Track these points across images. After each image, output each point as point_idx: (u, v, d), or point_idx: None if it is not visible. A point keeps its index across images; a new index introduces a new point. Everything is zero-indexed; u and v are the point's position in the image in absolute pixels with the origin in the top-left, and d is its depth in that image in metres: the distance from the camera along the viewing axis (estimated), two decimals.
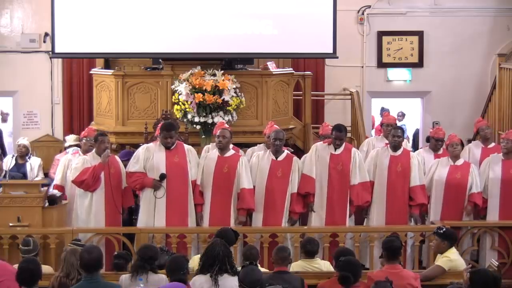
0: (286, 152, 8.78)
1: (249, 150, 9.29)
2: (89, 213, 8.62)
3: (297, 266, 7.06)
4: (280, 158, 8.71)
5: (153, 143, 8.77)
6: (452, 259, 7.12)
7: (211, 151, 8.89)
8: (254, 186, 8.64)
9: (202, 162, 8.69)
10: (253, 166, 8.73)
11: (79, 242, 7.06)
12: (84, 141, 9.37)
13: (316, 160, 8.74)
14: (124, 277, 6.35)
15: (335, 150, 8.76)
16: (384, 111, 12.96)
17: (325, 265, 7.10)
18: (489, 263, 7.66)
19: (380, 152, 8.95)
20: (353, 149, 8.91)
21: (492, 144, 9.57)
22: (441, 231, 7.22)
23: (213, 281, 5.87)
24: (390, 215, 8.75)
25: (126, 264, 6.94)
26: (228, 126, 9.13)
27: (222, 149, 8.64)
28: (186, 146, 8.80)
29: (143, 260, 6.33)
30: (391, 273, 6.34)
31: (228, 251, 6.09)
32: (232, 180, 8.57)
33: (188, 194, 8.59)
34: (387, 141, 9.20)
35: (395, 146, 8.87)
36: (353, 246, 8.35)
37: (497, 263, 7.29)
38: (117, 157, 9.00)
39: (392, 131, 8.98)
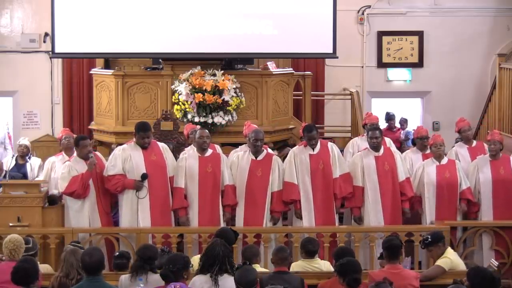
0: (265, 151, 8.78)
1: (232, 151, 9.25)
2: (80, 215, 8.51)
3: (297, 266, 7.05)
4: (260, 157, 8.69)
5: (127, 144, 8.67)
6: (451, 259, 7.13)
7: (188, 152, 8.78)
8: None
9: (182, 164, 8.61)
10: (233, 165, 8.72)
11: (78, 244, 7.05)
12: (62, 142, 9.48)
13: (296, 164, 8.71)
14: (124, 277, 6.35)
15: (313, 150, 8.75)
16: (390, 117, 12.87)
17: (325, 265, 7.09)
18: (488, 263, 7.65)
19: (364, 155, 8.90)
20: (329, 144, 8.93)
21: (474, 142, 9.57)
22: (428, 241, 7.20)
23: (213, 281, 5.87)
24: (387, 215, 8.74)
25: (127, 263, 6.93)
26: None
27: (206, 149, 8.65)
28: (160, 144, 8.77)
29: (142, 260, 6.33)
30: (391, 273, 6.34)
31: (228, 251, 6.09)
32: (218, 179, 8.57)
33: (169, 192, 8.59)
34: None
35: (375, 147, 8.87)
36: (347, 244, 8.36)
37: (497, 263, 7.29)
38: (99, 155, 8.90)
39: (369, 133, 8.92)
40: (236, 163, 8.72)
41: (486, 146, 9.14)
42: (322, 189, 8.69)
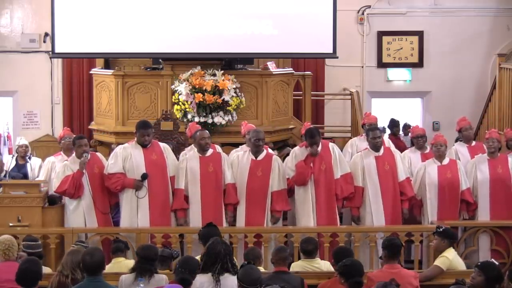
0: (265, 151, 8.77)
1: (232, 151, 9.26)
2: (75, 215, 8.50)
3: (297, 266, 7.06)
4: (260, 157, 8.68)
5: (129, 143, 8.69)
6: (450, 259, 7.14)
7: (189, 153, 8.78)
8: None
9: (183, 165, 8.61)
10: (233, 165, 8.72)
11: (83, 244, 7.06)
12: (62, 141, 9.46)
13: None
14: (124, 277, 6.34)
15: None
16: (394, 123, 12.65)
17: (325, 265, 7.09)
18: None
19: (364, 155, 8.89)
20: (330, 144, 8.92)
21: (474, 143, 9.60)
22: (441, 230, 7.27)
23: (215, 280, 5.86)
24: (388, 215, 8.74)
25: (124, 251, 6.92)
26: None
27: (207, 150, 8.65)
28: (161, 144, 8.77)
29: (143, 261, 6.32)
30: (391, 273, 6.34)
31: (229, 249, 6.10)
32: (220, 178, 8.58)
33: (169, 192, 8.59)
34: None
35: (377, 147, 8.87)
36: (347, 244, 8.36)
37: (497, 263, 7.28)
38: (99, 155, 8.90)
39: (370, 134, 8.91)
40: (236, 163, 8.72)
41: (485, 146, 9.15)
42: (324, 189, 8.67)
